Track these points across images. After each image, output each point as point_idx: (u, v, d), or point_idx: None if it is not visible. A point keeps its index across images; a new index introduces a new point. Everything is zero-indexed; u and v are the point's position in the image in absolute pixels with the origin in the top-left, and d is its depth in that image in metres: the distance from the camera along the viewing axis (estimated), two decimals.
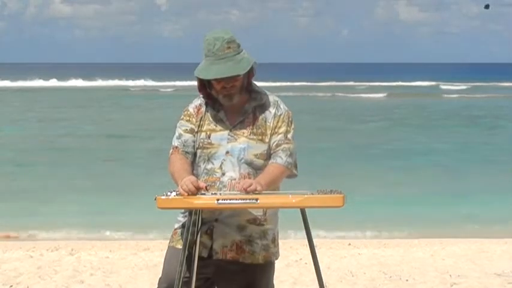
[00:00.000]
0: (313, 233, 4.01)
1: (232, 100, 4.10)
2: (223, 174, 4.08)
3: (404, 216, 13.07)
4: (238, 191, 3.87)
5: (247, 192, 3.81)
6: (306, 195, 3.77)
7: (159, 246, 9.95)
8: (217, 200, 3.79)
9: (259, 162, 4.10)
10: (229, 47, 4.04)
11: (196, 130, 4.18)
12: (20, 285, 7.87)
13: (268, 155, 4.13)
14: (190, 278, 4.04)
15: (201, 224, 4.05)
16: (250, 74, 4.14)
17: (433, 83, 75.23)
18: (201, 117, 4.19)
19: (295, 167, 4.16)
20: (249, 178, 4.01)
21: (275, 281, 4.29)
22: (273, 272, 4.25)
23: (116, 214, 13.22)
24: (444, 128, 29.56)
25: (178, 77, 77.77)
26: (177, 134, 4.21)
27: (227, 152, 4.10)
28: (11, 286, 7.84)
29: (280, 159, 4.09)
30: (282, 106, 4.20)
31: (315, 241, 4.28)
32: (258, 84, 4.25)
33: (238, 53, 4.06)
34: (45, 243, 10.55)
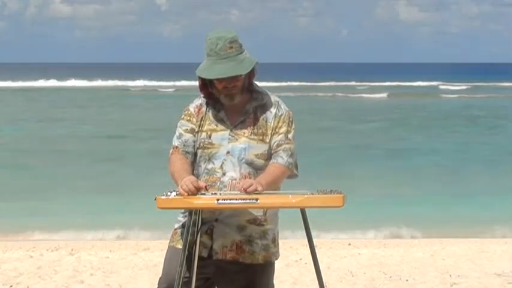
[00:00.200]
0: (313, 233, 4.01)
1: (234, 100, 4.10)
2: (224, 174, 4.08)
3: (404, 216, 13.06)
4: (238, 191, 3.87)
5: (247, 193, 3.81)
6: (306, 195, 3.77)
7: (159, 246, 9.95)
8: (217, 200, 3.79)
9: (260, 162, 4.10)
10: (231, 47, 4.03)
11: (196, 130, 4.17)
12: (20, 285, 7.87)
13: (269, 155, 4.13)
14: (190, 278, 4.04)
15: (201, 224, 4.04)
16: (251, 74, 4.14)
17: (433, 83, 75.21)
18: (202, 117, 4.18)
19: (296, 167, 4.16)
20: (250, 178, 4.01)
21: (275, 281, 4.29)
22: (273, 272, 4.24)
23: (116, 214, 13.22)
24: (444, 128, 29.56)
25: (178, 77, 77.82)
26: (177, 133, 4.20)
27: (228, 152, 4.10)
28: (11, 286, 7.84)
29: (281, 159, 4.09)
30: (282, 106, 4.20)
31: (315, 241, 4.27)
32: (258, 84, 4.25)
33: (241, 53, 4.06)
34: (45, 243, 10.55)
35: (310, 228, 3.96)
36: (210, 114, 4.18)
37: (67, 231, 12.01)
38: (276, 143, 4.12)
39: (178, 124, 4.22)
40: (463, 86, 68.75)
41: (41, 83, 74.37)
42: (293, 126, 4.18)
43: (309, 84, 74.49)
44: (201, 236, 4.07)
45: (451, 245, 10.51)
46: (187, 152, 4.15)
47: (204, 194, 3.85)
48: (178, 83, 71.88)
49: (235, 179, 4.05)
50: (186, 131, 4.18)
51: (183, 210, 4.18)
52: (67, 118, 33.79)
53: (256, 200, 3.78)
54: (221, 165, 4.09)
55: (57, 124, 31.05)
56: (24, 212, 13.61)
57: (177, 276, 3.93)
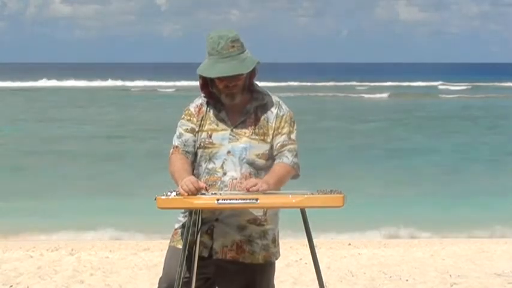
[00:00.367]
0: (313, 233, 4.01)
1: (235, 99, 4.11)
2: (225, 173, 4.08)
3: (405, 216, 13.07)
4: (241, 190, 3.87)
5: (249, 192, 3.81)
6: (306, 195, 3.77)
7: (159, 246, 9.96)
8: (217, 200, 3.79)
9: (261, 162, 4.11)
10: (233, 46, 4.04)
11: (197, 130, 4.17)
12: (20, 285, 7.87)
13: (270, 155, 4.13)
14: (190, 278, 4.04)
15: (202, 224, 4.04)
16: (252, 73, 4.14)
17: (433, 83, 75.21)
18: (202, 117, 4.18)
19: (299, 167, 4.17)
20: (251, 178, 4.02)
21: (275, 281, 4.29)
22: (274, 272, 4.24)
23: (116, 214, 13.22)
24: (444, 128, 29.56)
25: (178, 77, 77.80)
26: (177, 133, 4.20)
27: (228, 152, 4.10)
28: (11, 286, 7.84)
29: (287, 159, 4.09)
30: (284, 107, 4.20)
31: (315, 241, 4.27)
32: (258, 84, 4.26)
33: (242, 52, 4.06)
34: (45, 243, 10.56)
35: (310, 228, 3.96)
36: (210, 113, 4.18)
37: (67, 231, 12.01)
38: (279, 143, 4.12)
39: (179, 124, 4.22)
40: (463, 86, 68.76)
41: (41, 83, 74.37)
42: (295, 127, 4.19)
43: (309, 84, 74.49)
44: (201, 236, 4.07)
45: (451, 245, 10.52)
46: (187, 152, 4.15)
47: (204, 194, 3.85)
48: (178, 83, 71.86)
49: (236, 179, 4.05)
50: (187, 130, 4.18)
51: (183, 210, 4.18)
52: (67, 118, 33.79)
53: (256, 200, 3.78)
54: (222, 165, 4.09)
55: (57, 124, 31.05)
56: (24, 212, 13.61)
57: (177, 276, 3.93)
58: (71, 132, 28.10)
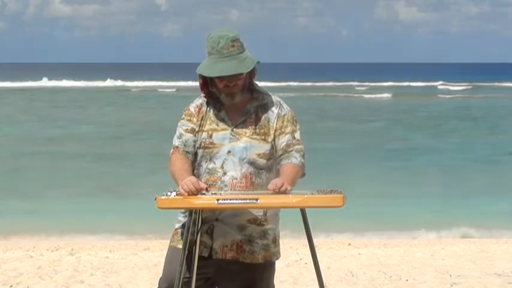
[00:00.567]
0: (313, 233, 4.01)
1: (234, 99, 4.10)
2: (225, 173, 4.07)
3: (405, 216, 13.07)
4: (271, 190, 3.85)
5: (280, 192, 3.79)
6: (306, 195, 3.77)
7: (159, 246, 9.96)
8: (218, 200, 3.79)
9: (262, 161, 4.10)
10: (233, 45, 4.04)
11: (197, 130, 4.17)
12: (20, 285, 7.86)
13: (270, 155, 4.13)
14: (190, 278, 4.04)
15: (202, 224, 4.04)
16: (252, 73, 4.14)
17: (433, 83, 75.23)
18: (203, 117, 4.18)
19: (305, 167, 4.17)
20: (251, 178, 4.02)
21: (275, 281, 4.29)
22: (274, 272, 4.24)
23: (116, 214, 13.22)
24: (444, 128, 29.56)
25: (178, 77, 77.85)
26: (177, 133, 4.20)
27: (229, 152, 4.10)
28: (11, 286, 7.84)
29: (295, 159, 4.09)
30: (285, 106, 4.20)
31: (315, 241, 4.27)
32: (258, 84, 4.25)
33: (242, 52, 4.06)
34: (45, 243, 10.56)
35: (310, 228, 3.96)
36: (210, 113, 4.18)
37: (67, 232, 12.00)
38: (284, 143, 4.12)
39: (179, 124, 4.22)
40: (462, 86, 68.78)
41: (41, 83, 74.39)
42: (298, 126, 4.19)
43: (309, 84, 74.51)
44: (201, 236, 4.07)
45: (451, 245, 10.52)
46: (187, 152, 4.15)
47: (204, 193, 3.85)
48: (178, 83, 71.87)
49: (236, 179, 4.05)
50: (187, 130, 4.18)
51: (183, 210, 4.18)
52: (67, 118, 33.79)
53: (256, 200, 3.78)
54: (222, 165, 4.09)
55: (56, 124, 31.05)
56: (24, 212, 13.61)
57: (177, 276, 3.92)
58: (71, 132, 28.10)
